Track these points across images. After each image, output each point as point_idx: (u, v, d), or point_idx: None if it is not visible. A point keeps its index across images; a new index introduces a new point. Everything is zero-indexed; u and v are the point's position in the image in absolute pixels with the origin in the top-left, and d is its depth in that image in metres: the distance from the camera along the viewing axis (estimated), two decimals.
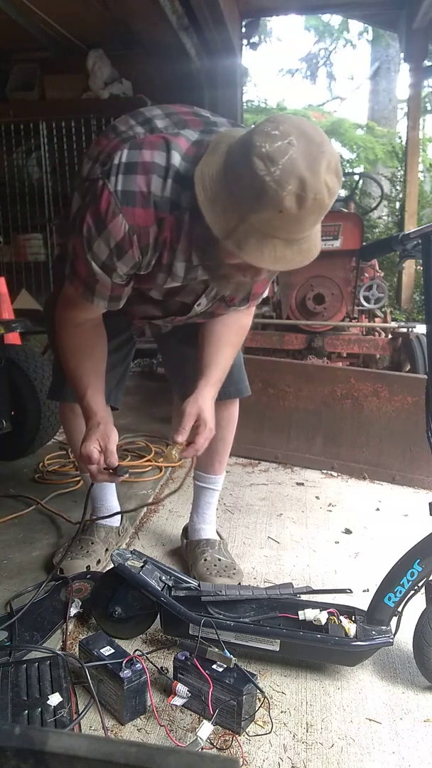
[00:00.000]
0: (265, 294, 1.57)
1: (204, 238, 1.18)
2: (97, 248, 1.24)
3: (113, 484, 1.91)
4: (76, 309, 1.40)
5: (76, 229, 1.27)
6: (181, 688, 1.27)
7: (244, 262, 1.14)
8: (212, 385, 1.49)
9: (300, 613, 1.38)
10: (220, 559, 1.75)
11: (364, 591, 1.62)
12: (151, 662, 1.33)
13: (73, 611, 1.52)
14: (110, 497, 1.90)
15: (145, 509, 2.22)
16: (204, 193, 1.10)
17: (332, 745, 1.20)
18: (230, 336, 1.55)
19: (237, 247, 1.10)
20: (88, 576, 1.64)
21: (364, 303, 3.74)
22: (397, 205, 6.85)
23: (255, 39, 6.05)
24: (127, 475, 1.46)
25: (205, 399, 1.45)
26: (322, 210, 1.08)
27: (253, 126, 1.11)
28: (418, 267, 5.76)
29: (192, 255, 1.28)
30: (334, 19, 10.58)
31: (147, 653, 1.37)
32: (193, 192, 1.12)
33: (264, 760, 1.16)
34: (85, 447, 1.37)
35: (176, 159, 1.20)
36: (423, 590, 1.34)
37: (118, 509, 1.93)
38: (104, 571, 1.62)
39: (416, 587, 1.33)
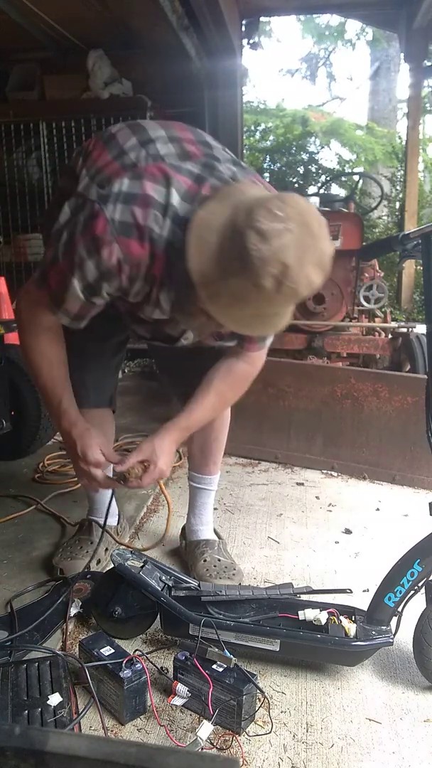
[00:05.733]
0: (268, 342, 1.55)
1: (184, 277, 1.19)
2: (86, 269, 1.23)
3: None
4: (43, 312, 1.38)
5: (62, 243, 1.25)
6: (181, 688, 1.27)
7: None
8: (179, 430, 1.48)
9: (300, 613, 1.38)
10: (219, 560, 1.75)
11: (364, 591, 1.62)
12: (151, 662, 1.33)
13: (73, 611, 1.52)
14: (106, 496, 1.89)
15: (144, 509, 2.23)
16: (196, 240, 1.13)
17: (332, 745, 1.20)
18: (221, 386, 1.51)
19: (208, 298, 1.14)
20: (88, 576, 1.64)
21: (364, 303, 3.74)
22: (397, 205, 6.85)
23: (255, 39, 6.04)
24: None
25: (162, 440, 1.44)
26: (296, 299, 1.13)
27: (262, 197, 1.12)
28: (418, 267, 5.76)
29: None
30: (333, 20, 10.55)
31: (147, 653, 1.37)
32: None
33: (264, 760, 1.16)
34: (92, 454, 1.36)
35: (175, 198, 1.20)
36: (423, 590, 1.34)
37: (115, 508, 1.93)
38: (104, 571, 1.62)
39: (416, 587, 1.33)
